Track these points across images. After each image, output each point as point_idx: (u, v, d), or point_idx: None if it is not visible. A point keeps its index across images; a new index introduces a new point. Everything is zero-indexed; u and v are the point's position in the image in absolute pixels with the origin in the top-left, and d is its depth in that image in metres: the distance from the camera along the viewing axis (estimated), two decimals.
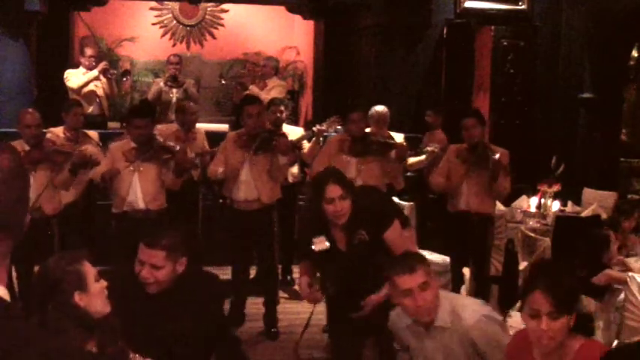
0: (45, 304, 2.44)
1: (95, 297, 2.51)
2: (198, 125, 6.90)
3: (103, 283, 2.56)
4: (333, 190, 3.49)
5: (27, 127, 5.26)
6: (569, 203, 7.08)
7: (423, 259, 3.02)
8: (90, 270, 2.53)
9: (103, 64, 8.23)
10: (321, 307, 6.07)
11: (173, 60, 8.34)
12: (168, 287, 3.07)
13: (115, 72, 8.51)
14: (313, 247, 3.57)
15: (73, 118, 6.08)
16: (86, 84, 8.09)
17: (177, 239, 3.10)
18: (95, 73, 8.12)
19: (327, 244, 3.57)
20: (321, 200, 3.51)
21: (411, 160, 6.48)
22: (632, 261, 5.14)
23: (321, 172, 3.93)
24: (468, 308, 2.94)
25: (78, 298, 2.47)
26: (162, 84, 8.21)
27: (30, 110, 5.44)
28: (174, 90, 8.12)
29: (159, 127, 6.57)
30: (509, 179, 5.51)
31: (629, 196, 7.44)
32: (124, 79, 8.97)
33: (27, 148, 5.17)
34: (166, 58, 8.75)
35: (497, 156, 5.37)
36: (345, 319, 3.69)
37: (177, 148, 5.43)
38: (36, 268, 5.23)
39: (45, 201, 5.15)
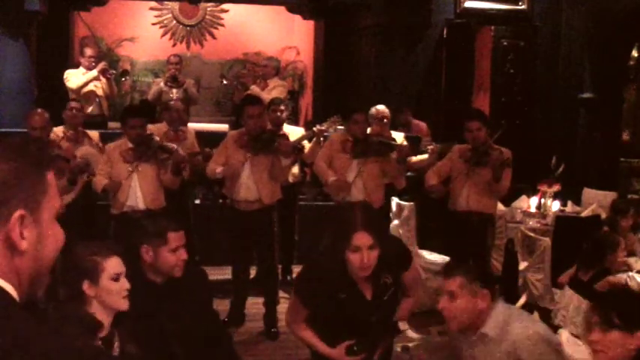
0: (61, 280, 2.48)
1: (107, 293, 2.56)
2: (191, 125, 6.89)
3: (124, 284, 2.60)
4: (362, 239, 2.88)
5: (33, 129, 5.26)
6: (569, 203, 7.08)
7: (468, 271, 2.92)
8: (110, 267, 2.58)
9: (101, 65, 8.23)
10: None
11: (173, 60, 8.35)
12: (171, 280, 3.14)
13: (114, 72, 8.51)
14: None
15: (70, 114, 6.07)
16: (85, 84, 8.09)
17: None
18: (94, 73, 8.12)
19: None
20: (344, 247, 2.92)
21: (414, 159, 6.48)
22: (632, 261, 5.14)
23: (347, 212, 3.12)
24: (520, 322, 2.89)
25: (86, 286, 2.54)
26: (162, 84, 8.22)
27: (38, 111, 5.42)
28: (175, 90, 8.12)
29: (149, 127, 6.56)
30: (510, 177, 5.51)
31: (629, 196, 7.44)
32: (123, 79, 8.97)
33: None
34: (166, 58, 8.75)
35: (496, 153, 5.38)
36: None
37: (175, 147, 5.44)
38: None
39: None
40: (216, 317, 3.43)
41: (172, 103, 6.72)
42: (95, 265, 2.55)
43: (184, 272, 3.18)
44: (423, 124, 8.08)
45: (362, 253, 2.88)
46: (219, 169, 5.44)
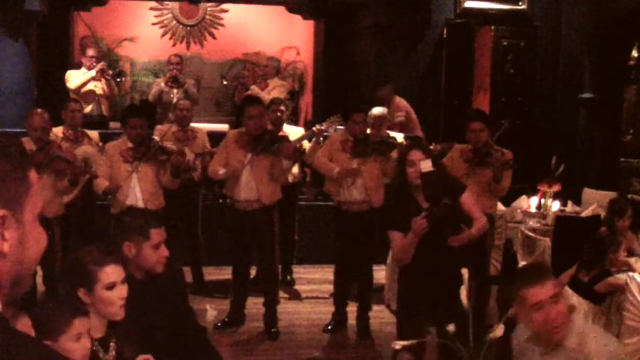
0: (63, 282, 2.52)
1: (101, 302, 2.55)
2: (199, 125, 6.91)
3: (121, 292, 2.58)
4: (415, 154, 3.98)
5: (33, 130, 5.26)
6: (569, 203, 7.07)
7: (549, 270, 2.79)
8: (105, 277, 2.56)
9: (100, 65, 8.22)
10: (322, 307, 6.10)
11: (174, 60, 8.33)
12: (152, 276, 3.20)
13: (112, 72, 8.51)
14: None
15: (70, 115, 6.06)
16: (84, 84, 8.08)
17: None
18: (92, 73, 8.11)
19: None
20: (404, 165, 4.00)
21: None
22: (632, 261, 5.14)
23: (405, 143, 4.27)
24: (598, 334, 2.70)
25: (82, 293, 2.54)
26: (162, 84, 8.20)
27: (38, 112, 5.41)
28: (175, 90, 8.10)
29: (159, 127, 6.58)
30: (510, 178, 5.51)
31: (630, 196, 7.43)
32: (118, 79, 8.95)
33: (34, 148, 5.18)
34: (166, 58, 8.74)
35: (498, 154, 5.38)
36: (417, 298, 4.02)
37: (175, 149, 5.44)
38: (37, 268, 5.25)
39: (46, 204, 5.15)
40: (192, 312, 3.53)
41: (181, 102, 6.72)
42: (90, 275, 2.54)
43: (165, 268, 3.23)
44: (403, 102, 8.08)
45: (415, 166, 3.92)
46: (221, 171, 5.44)
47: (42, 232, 1.24)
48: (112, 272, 2.58)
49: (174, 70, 8.19)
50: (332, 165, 5.63)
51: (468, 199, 4.13)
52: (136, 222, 3.18)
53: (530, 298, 2.64)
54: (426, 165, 3.91)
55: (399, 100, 8.08)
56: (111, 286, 2.56)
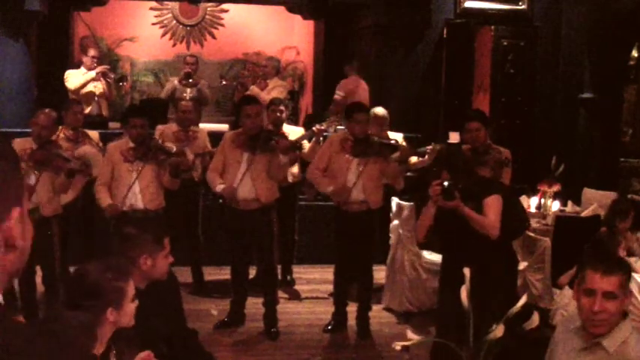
0: (73, 307, 2.42)
1: (125, 315, 2.51)
2: (200, 125, 6.91)
3: (136, 302, 2.56)
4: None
5: (36, 126, 5.29)
6: (569, 203, 7.07)
7: (626, 268, 2.69)
8: (131, 290, 2.52)
9: (102, 68, 8.22)
10: (322, 307, 6.10)
11: (190, 60, 8.49)
12: (152, 284, 3.19)
13: (114, 76, 8.51)
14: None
15: (72, 116, 6.08)
16: (83, 85, 8.07)
17: None
18: (92, 74, 8.11)
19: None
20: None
21: (413, 160, 6.46)
22: (632, 261, 5.14)
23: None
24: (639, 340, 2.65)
25: (109, 313, 2.45)
26: (176, 82, 8.26)
27: (46, 111, 5.45)
28: (189, 90, 8.16)
29: (159, 127, 6.58)
30: (509, 177, 5.52)
31: (630, 196, 7.42)
32: (120, 84, 8.93)
33: (34, 146, 5.20)
34: (166, 58, 8.76)
35: (495, 152, 5.39)
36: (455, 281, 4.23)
37: (174, 149, 5.44)
38: (37, 268, 5.24)
39: (45, 202, 5.15)
40: (184, 315, 3.55)
41: (182, 103, 6.76)
42: (120, 292, 2.48)
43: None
44: (353, 83, 8.18)
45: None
46: (219, 188, 5.44)
47: (31, 224, 1.30)
48: (132, 284, 2.55)
49: (188, 69, 8.26)
50: (325, 182, 5.56)
51: (492, 201, 4.13)
52: (151, 231, 3.12)
53: (588, 280, 2.60)
54: (455, 137, 4.00)
55: (351, 80, 8.22)
56: (134, 298, 2.54)
